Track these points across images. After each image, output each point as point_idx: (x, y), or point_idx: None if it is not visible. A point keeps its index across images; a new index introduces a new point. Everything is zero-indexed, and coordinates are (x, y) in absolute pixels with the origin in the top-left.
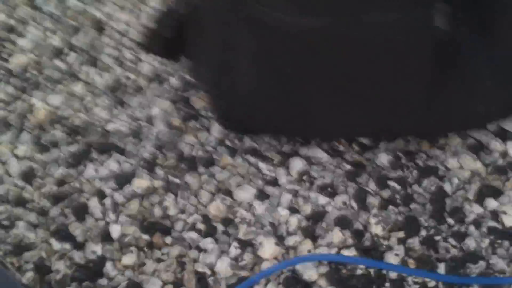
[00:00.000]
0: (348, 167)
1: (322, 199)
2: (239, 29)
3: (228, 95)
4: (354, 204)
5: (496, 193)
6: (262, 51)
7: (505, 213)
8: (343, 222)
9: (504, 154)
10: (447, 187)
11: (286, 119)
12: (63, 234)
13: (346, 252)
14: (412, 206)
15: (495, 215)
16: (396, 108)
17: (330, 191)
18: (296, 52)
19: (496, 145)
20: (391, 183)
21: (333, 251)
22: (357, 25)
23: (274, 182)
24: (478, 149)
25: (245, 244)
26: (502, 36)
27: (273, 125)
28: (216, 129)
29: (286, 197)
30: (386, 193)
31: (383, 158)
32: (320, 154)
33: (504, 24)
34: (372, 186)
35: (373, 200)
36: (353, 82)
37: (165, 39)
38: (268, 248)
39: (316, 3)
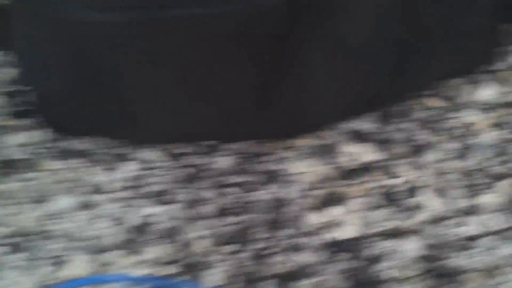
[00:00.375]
0: (184, 171)
1: (151, 208)
2: (46, 28)
3: (48, 94)
4: (186, 213)
5: (341, 200)
6: (70, 50)
7: (346, 223)
8: (171, 234)
9: (353, 158)
10: (289, 193)
11: (108, 121)
12: None
13: (172, 268)
14: (249, 215)
15: (337, 224)
16: (227, 109)
17: (161, 198)
18: (103, 50)
19: (346, 147)
20: (229, 189)
21: (156, 268)
22: (169, 19)
23: (99, 189)
24: (327, 151)
25: (56, 261)
26: (342, 31)
27: (96, 126)
28: (40, 129)
29: (112, 206)
30: (222, 201)
31: (223, 162)
32: (153, 158)
33: (342, 18)
34: (207, 193)
35: (207, 209)
36: (173, 82)
37: None
38: (80, 265)
39: None
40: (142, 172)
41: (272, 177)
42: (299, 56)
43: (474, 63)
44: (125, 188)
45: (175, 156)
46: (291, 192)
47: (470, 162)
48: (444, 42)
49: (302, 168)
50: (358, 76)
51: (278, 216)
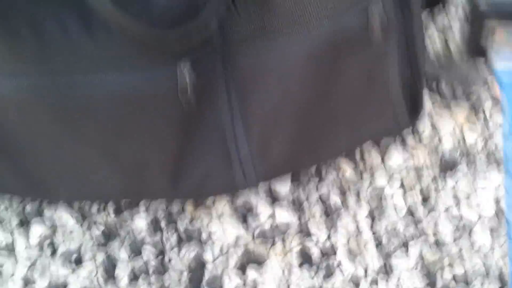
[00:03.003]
0: (99, 232)
1: (64, 270)
2: None
3: None
4: (101, 276)
5: (259, 261)
6: None
7: (264, 284)
8: None
9: (269, 219)
10: (208, 254)
11: (18, 181)
12: None
13: None
14: (167, 276)
15: (255, 286)
16: (142, 171)
17: (75, 260)
18: (9, 114)
19: (265, 207)
20: (147, 249)
21: None
22: (79, 85)
23: (10, 249)
24: (246, 212)
25: None
26: (255, 101)
27: (6, 186)
28: None
29: (22, 268)
30: (138, 262)
31: (140, 222)
32: (66, 217)
33: (255, 92)
34: (124, 253)
35: (123, 270)
36: (86, 146)
37: None
38: None
39: (24, 63)
40: (54, 232)
41: (189, 238)
42: (210, 122)
43: (386, 129)
44: (37, 248)
45: (90, 215)
46: (208, 253)
47: (383, 224)
48: (355, 110)
49: (220, 229)
50: (270, 143)
51: (199, 276)
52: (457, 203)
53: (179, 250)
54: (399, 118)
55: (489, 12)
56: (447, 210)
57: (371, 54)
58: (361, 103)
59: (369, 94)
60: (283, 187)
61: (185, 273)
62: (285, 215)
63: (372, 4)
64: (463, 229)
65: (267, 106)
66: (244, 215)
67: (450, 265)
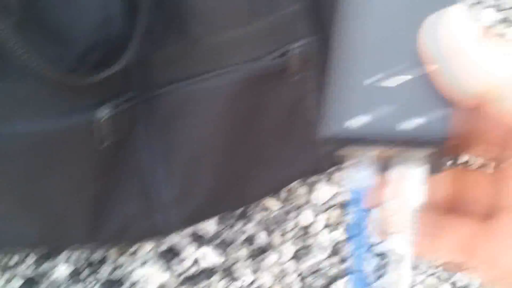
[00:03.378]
0: (19, 283)
1: None
2: None
3: None
4: None
5: None
6: None
7: None
8: None
9: (195, 262)
10: None
11: None
12: None
13: None
14: None
15: None
16: (63, 216)
17: None
18: None
19: (190, 251)
20: None
21: None
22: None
23: None
24: (171, 257)
25: None
26: (177, 143)
27: None
28: None
29: None
30: None
31: (62, 271)
32: None
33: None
34: None
35: None
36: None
37: None
38: None
39: None
40: None
41: (113, 286)
42: (130, 167)
43: (313, 167)
44: None
45: (7, 269)
46: None
47: (308, 263)
48: (280, 149)
49: (145, 275)
50: (193, 186)
51: None
52: (381, 239)
53: None
54: (323, 158)
55: (332, 139)
56: (372, 247)
57: (290, 91)
58: (285, 142)
59: (292, 132)
60: (209, 229)
61: None
62: (211, 259)
63: (293, 45)
64: (383, 266)
65: (189, 148)
66: (170, 260)
67: None
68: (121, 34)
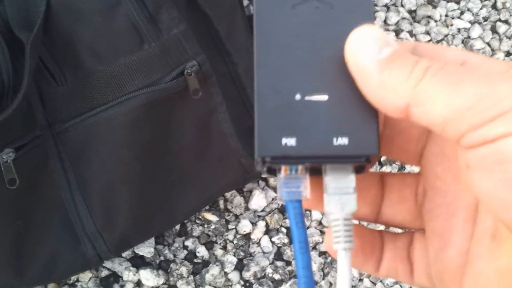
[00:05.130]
0: None
1: None
2: None
3: None
4: None
5: None
6: None
7: None
8: None
9: (139, 285)
10: None
11: None
12: None
13: None
14: None
15: None
16: None
17: None
18: None
19: (130, 275)
20: None
21: None
22: None
23: None
24: (112, 281)
25: None
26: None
27: None
28: None
29: None
30: None
31: None
32: None
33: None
34: None
35: None
36: None
37: None
38: None
39: None
40: None
41: None
42: (49, 203)
43: (239, 179)
44: None
45: None
46: None
47: (252, 271)
48: (200, 166)
49: None
50: (114, 214)
51: None
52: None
53: None
54: (248, 167)
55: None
56: (315, 246)
57: (196, 108)
58: (204, 157)
59: (209, 146)
60: (147, 251)
61: None
62: (152, 280)
63: (187, 64)
64: (330, 265)
65: (103, 178)
66: (111, 285)
67: None
68: (8, 80)
